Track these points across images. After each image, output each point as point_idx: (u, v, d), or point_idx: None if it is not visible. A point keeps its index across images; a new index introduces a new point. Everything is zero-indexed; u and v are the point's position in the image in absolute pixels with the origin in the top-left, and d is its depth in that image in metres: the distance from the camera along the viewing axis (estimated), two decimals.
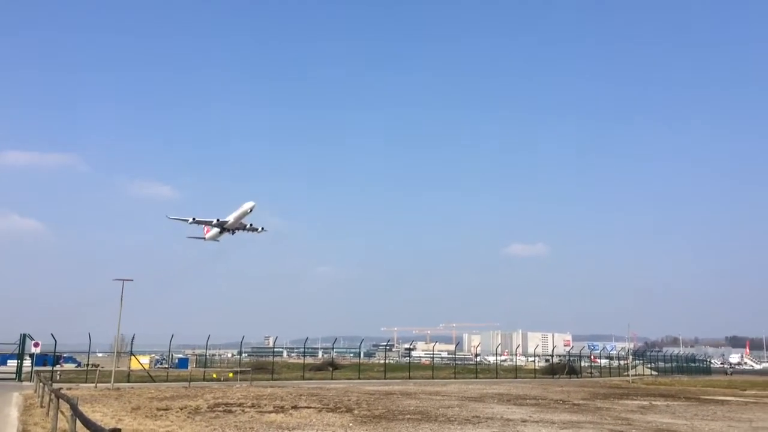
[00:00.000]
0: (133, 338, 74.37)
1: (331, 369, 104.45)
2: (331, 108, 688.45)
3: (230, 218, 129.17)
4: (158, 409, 33.80)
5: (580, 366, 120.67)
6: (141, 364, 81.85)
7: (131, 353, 76.54)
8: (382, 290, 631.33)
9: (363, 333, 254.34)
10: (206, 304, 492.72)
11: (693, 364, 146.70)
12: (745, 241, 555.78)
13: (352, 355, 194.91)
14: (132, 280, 55.56)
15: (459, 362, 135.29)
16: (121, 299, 54.07)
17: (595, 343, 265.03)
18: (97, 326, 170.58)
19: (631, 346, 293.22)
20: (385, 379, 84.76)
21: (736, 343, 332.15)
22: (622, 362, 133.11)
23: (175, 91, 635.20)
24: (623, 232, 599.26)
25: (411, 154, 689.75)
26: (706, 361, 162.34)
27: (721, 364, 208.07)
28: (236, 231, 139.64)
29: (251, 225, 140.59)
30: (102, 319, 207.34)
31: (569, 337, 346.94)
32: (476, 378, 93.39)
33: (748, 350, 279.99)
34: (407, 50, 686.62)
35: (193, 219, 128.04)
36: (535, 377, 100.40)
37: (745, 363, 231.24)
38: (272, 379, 77.67)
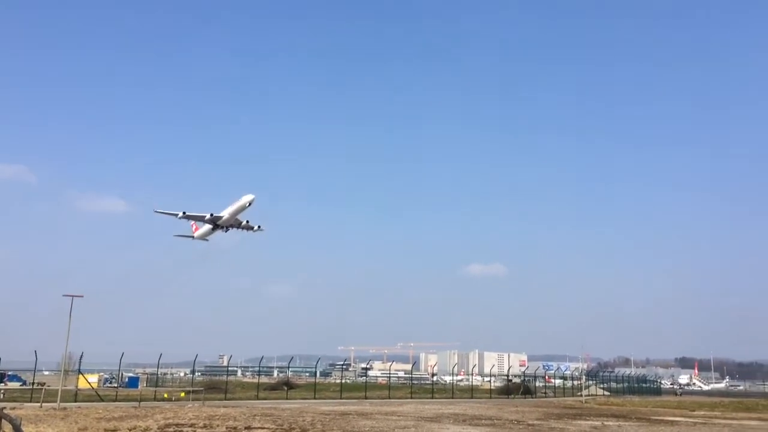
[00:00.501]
0: (81, 356, 72.33)
1: (286, 389, 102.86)
2: (290, 121, 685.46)
3: (225, 213, 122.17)
4: (106, 430, 32.86)
5: (535, 386, 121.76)
6: (89, 383, 79.38)
7: (79, 371, 74.40)
8: (339, 309, 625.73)
9: (320, 352, 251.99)
10: (159, 321, 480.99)
11: (644, 385, 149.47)
12: (695, 264, 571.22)
13: (308, 374, 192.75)
14: (82, 296, 54.08)
15: (416, 382, 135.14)
16: (70, 316, 52.57)
17: (549, 364, 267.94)
18: (44, 344, 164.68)
19: (585, 366, 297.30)
20: (341, 399, 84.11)
21: (685, 364, 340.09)
22: (575, 382, 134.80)
23: (130, 107, 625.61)
24: (578, 253, 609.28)
25: (371, 171, 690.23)
26: (657, 381, 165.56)
27: (671, 384, 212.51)
28: (230, 228, 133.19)
29: (247, 222, 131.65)
30: (50, 336, 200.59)
31: (525, 357, 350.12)
32: (433, 398, 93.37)
33: (696, 371, 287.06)
34: (362, 69, 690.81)
35: (184, 213, 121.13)
36: (490, 397, 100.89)
37: (694, 384, 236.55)
38: (226, 399, 76.27)
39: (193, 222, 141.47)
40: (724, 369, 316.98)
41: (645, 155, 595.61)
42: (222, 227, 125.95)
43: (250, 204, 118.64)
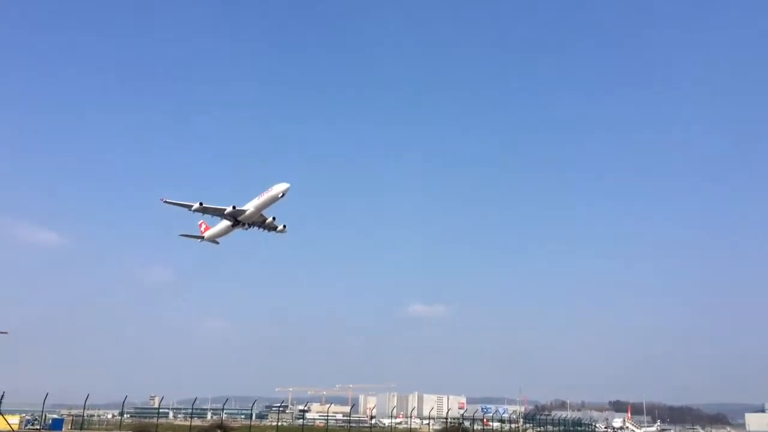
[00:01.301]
0: (2, 396, 68.53)
1: None
2: (232, 158, 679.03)
3: (250, 207, 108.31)
4: None
5: (473, 429, 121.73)
6: (9, 425, 75.24)
7: None
8: (277, 348, 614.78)
9: (256, 393, 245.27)
10: (88, 360, 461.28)
11: (579, 428, 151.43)
12: (629, 310, 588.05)
13: (243, 416, 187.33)
14: (6, 333, 51.62)
15: (354, 425, 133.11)
16: None
17: (488, 406, 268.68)
18: None
19: (522, 409, 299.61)
20: None
21: (619, 407, 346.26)
22: (513, 425, 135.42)
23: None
24: (518, 297, 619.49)
25: (316, 205, 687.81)
26: (592, 425, 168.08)
27: (605, 428, 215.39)
28: (252, 226, 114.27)
29: (273, 220, 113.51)
30: None
31: (464, 400, 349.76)
32: None
33: (629, 415, 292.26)
34: (306, 100, 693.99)
35: (200, 204, 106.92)
36: None
37: (627, 427, 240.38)
38: None
39: (202, 222, 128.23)
40: (655, 412, 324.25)
41: (566, 214, 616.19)
42: (243, 224, 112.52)
43: (283, 195, 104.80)
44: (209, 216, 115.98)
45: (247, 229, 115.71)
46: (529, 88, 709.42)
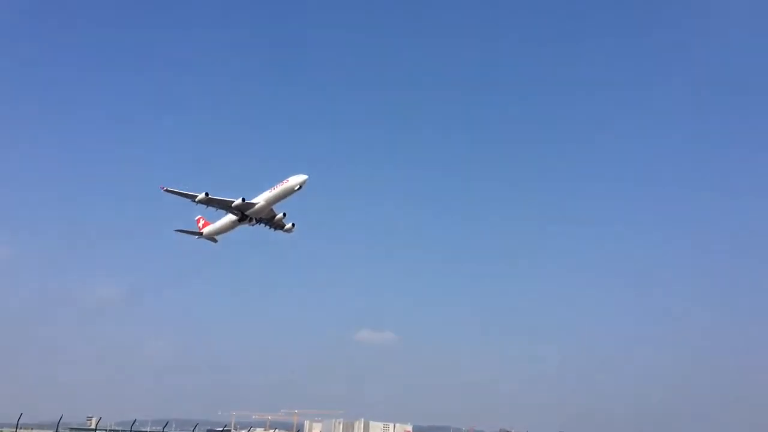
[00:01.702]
0: None
1: None
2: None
3: (260, 200, 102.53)
4: None
5: None
6: None
7: None
8: (221, 369, 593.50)
9: (198, 416, 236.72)
10: (22, 377, 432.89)
11: None
12: (561, 342, 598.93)
13: None
14: None
15: None
16: None
17: None
18: None
19: None
20: None
21: None
22: None
23: None
24: (464, 325, 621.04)
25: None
26: None
27: None
28: (259, 222, 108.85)
29: (283, 216, 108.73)
30: None
31: (410, 428, 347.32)
32: None
33: None
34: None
35: (206, 195, 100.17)
36: None
37: None
38: None
39: (199, 217, 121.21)
40: None
41: (525, 243, 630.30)
42: (250, 220, 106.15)
43: (300, 187, 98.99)
44: (205, 210, 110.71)
45: (253, 225, 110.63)
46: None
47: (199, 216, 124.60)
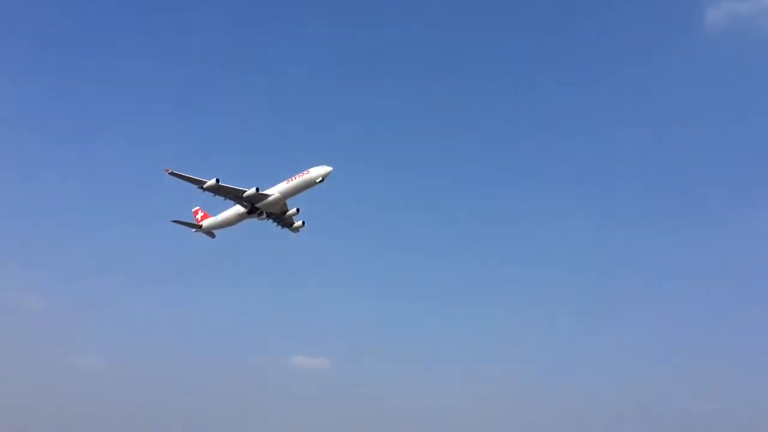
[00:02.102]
0: None
1: None
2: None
3: (275, 191, 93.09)
4: None
5: None
6: None
7: None
8: (146, 392, 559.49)
9: None
10: None
11: None
12: (500, 371, 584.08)
13: None
14: None
15: None
16: None
17: None
18: None
19: None
20: None
21: None
22: None
23: None
24: (399, 355, 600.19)
25: None
26: None
27: None
28: (270, 217, 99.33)
29: (297, 212, 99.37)
30: None
31: None
32: None
33: None
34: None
35: (216, 181, 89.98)
36: None
37: None
38: None
39: (197, 209, 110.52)
40: None
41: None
42: (260, 213, 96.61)
43: (322, 180, 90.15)
44: (213, 198, 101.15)
45: (262, 219, 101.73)
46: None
47: (197, 207, 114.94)
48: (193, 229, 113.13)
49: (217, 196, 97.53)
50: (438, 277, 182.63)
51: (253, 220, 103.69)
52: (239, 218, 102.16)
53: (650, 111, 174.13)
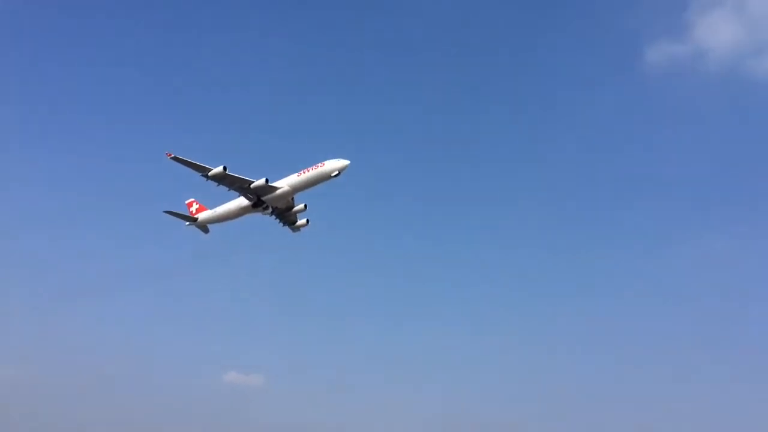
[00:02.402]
0: None
1: None
2: None
3: (284, 184, 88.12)
4: None
5: None
6: None
7: None
8: (61, 409, 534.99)
9: None
10: None
11: None
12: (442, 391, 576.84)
13: None
14: None
15: None
16: None
17: None
18: None
19: None
20: None
21: None
22: None
23: None
24: (337, 374, 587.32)
25: None
26: None
27: None
28: (275, 211, 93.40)
29: (304, 208, 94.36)
30: None
31: None
32: None
33: None
34: None
35: (224, 169, 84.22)
36: None
37: None
38: None
39: (192, 200, 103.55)
40: None
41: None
42: (266, 207, 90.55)
43: (338, 174, 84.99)
44: (217, 188, 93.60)
45: (267, 215, 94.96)
46: None
47: (192, 199, 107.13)
48: (186, 222, 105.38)
49: (220, 186, 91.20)
50: (385, 296, 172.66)
51: (255, 215, 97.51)
52: (242, 212, 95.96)
53: (589, 145, 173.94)
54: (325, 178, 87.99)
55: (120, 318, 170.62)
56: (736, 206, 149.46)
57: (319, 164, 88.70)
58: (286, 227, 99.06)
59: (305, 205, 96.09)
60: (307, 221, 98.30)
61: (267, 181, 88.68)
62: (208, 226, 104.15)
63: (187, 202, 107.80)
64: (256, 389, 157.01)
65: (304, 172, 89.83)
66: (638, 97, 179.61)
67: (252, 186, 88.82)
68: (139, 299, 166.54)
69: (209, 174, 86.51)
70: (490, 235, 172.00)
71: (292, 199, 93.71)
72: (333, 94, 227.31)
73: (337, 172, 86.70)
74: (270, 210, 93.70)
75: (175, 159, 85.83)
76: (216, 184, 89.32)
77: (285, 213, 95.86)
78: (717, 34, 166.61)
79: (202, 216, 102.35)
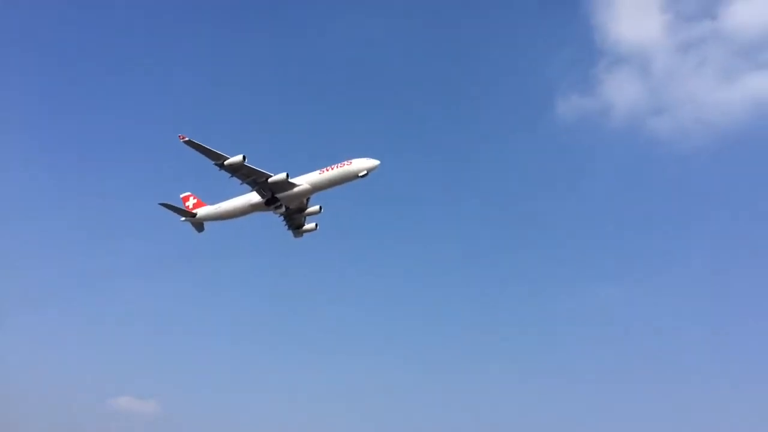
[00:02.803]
0: None
1: None
2: None
3: (303, 181, 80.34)
4: None
5: None
6: None
7: None
8: None
9: None
10: None
11: None
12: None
13: None
14: None
15: None
16: None
17: None
18: None
19: None
20: None
21: None
22: None
23: None
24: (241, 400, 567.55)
25: None
26: None
27: None
28: (287, 211, 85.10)
29: (319, 210, 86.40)
30: None
31: None
32: None
33: None
34: None
35: (243, 158, 75.83)
36: None
37: None
38: None
39: (189, 194, 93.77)
40: None
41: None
42: (280, 206, 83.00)
43: (365, 174, 78.04)
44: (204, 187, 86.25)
45: (279, 214, 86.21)
46: None
47: (189, 194, 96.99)
48: (182, 218, 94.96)
49: (235, 177, 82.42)
50: (300, 326, 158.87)
51: (263, 213, 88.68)
52: (250, 209, 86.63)
53: (498, 192, 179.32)
54: (351, 178, 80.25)
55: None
56: (627, 258, 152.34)
57: (346, 162, 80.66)
58: (290, 231, 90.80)
59: (320, 207, 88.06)
60: (316, 225, 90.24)
61: (288, 175, 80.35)
62: (208, 223, 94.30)
63: (182, 195, 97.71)
64: (150, 416, 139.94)
65: (327, 170, 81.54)
66: (547, 149, 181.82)
67: (270, 180, 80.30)
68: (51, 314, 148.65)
69: (225, 163, 78.00)
70: (391, 272, 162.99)
71: (307, 200, 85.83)
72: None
73: (365, 172, 79.20)
74: (283, 209, 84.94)
75: (189, 143, 77.25)
76: (229, 175, 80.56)
77: (294, 215, 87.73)
78: (622, 91, 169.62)
79: (202, 212, 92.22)
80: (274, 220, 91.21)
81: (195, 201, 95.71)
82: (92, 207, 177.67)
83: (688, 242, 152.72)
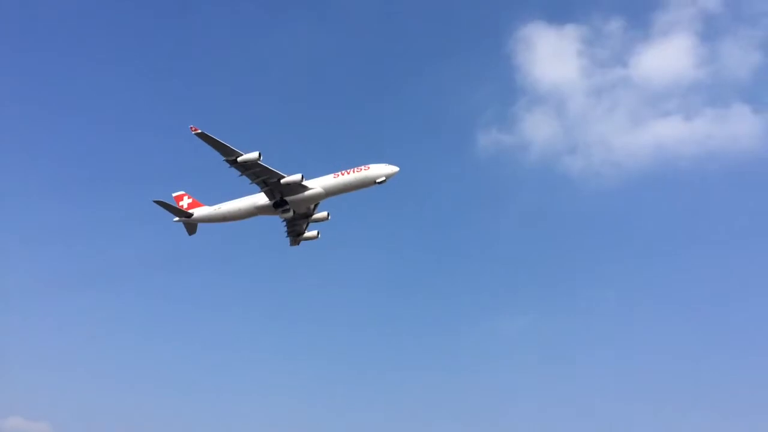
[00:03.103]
0: None
1: None
2: None
3: (316, 185, 76.41)
4: None
5: None
6: None
7: None
8: None
9: None
10: None
11: None
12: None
13: None
14: None
15: None
16: None
17: None
18: None
19: None
20: None
21: None
22: None
23: None
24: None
25: None
26: None
27: None
28: (294, 215, 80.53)
29: (327, 217, 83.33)
30: None
31: None
32: None
33: None
34: None
35: (259, 156, 71.87)
36: None
37: None
38: None
39: (183, 194, 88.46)
40: None
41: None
42: (287, 210, 78.41)
43: (383, 181, 74.87)
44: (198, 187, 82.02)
45: (285, 218, 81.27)
46: None
47: (182, 192, 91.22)
48: (175, 218, 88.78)
49: (244, 176, 78.19)
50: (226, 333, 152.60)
51: (262, 217, 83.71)
52: (255, 212, 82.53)
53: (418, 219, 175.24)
54: (368, 184, 76.79)
55: None
56: (536, 290, 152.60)
57: (363, 167, 77.27)
58: (288, 238, 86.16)
59: (328, 214, 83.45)
60: (318, 234, 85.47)
61: (303, 177, 76.28)
62: (204, 225, 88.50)
63: (175, 194, 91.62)
64: None
65: (343, 174, 77.75)
66: (467, 181, 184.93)
67: (282, 181, 76.17)
68: None
69: (239, 159, 73.71)
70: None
71: (315, 205, 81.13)
72: None
73: (383, 179, 75.98)
74: (291, 213, 79.87)
75: (201, 135, 72.75)
76: (239, 173, 76.31)
77: (298, 220, 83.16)
78: (539, 129, 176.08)
79: (199, 212, 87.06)
80: (272, 225, 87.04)
81: (190, 201, 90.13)
82: (78, 202, 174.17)
83: (596, 276, 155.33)
